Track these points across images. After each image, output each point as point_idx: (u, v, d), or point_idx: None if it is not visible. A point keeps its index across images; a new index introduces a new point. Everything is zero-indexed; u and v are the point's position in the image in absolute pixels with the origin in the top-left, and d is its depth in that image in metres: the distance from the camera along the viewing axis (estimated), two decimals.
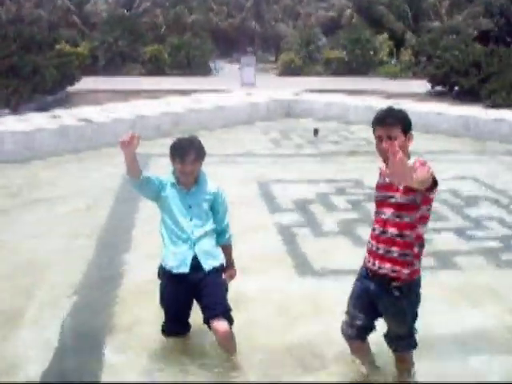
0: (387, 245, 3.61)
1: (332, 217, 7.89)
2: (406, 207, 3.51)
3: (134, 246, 6.78)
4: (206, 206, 4.20)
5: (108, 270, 6.14)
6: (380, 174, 3.74)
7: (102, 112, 13.98)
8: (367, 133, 13.65)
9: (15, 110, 15.10)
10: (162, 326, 4.44)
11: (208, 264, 4.16)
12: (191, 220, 4.13)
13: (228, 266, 4.44)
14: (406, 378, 4.09)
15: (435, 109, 15.74)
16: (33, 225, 7.43)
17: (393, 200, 3.55)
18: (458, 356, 4.57)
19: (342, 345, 4.19)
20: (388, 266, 3.61)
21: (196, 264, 4.13)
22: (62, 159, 11.07)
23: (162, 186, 4.15)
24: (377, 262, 3.67)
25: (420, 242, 3.63)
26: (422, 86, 24.22)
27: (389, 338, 3.96)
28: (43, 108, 15.70)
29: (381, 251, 3.64)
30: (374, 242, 3.71)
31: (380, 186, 3.69)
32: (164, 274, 4.27)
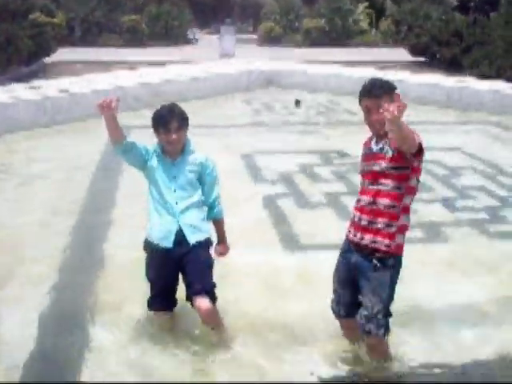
0: (372, 216, 3.54)
1: (318, 188, 7.78)
2: (394, 176, 3.45)
3: (115, 221, 6.60)
4: (191, 176, 4.03)
5: (90, 245, 5.97)
6: (365, 144, 3.71)
7: (80, 83, 13.64)
8: (348, 103, 13.76)
9: None
10: (148, 300, 4.30)
11: (193, 238, 3.99)
12: (175, 191, 3.99)
13: (219, 242, 4.30)
14: (384, 367, 3.90)
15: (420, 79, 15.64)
16: (11, 199, 7.22)
17: (381, 169, 3.48)
18: (450, 330, 4.47)
19: (332, 321, 4.12)
20: (371, 236, 3.54)
21: (181, 237, 3.98)
22: (40, 131, 10.79)
23: (148, 155, 4.02)
24: (359, 234, 3.60)
25: (406, 213, 3.56)
26: (403, 55, 24.13)
27: (360, 317, 3.66)
28: (19, 79, 15.33)
29: (364, 222, 3.57)
30: (358, 214, 3.63)
31: (367, 157, 3.63)
32: (149, 247, 4.14)
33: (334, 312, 3.99)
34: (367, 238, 3.55)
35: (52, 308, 4.68)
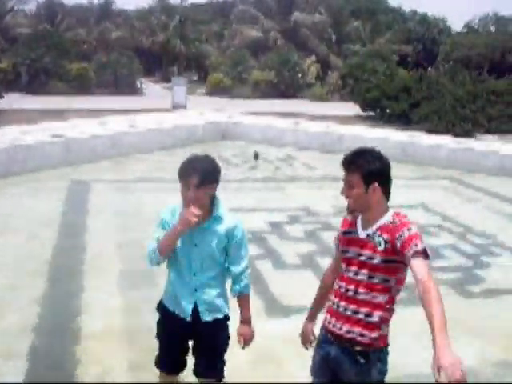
0: (355, 305, 3.15)
1: (291, 248, 7.67)
2: (384, 269, 3.07)
3: (86, 283, 6.31)
4: (214, 247, 3.51)
5: (64, 310, 5.65)
6: (346, 223, 3.32)
7: (33, 132, 13.25)
8: (306, 157, 13.83)
9: None
10: (156, 358, 3.88)
11: (207, 316, 3.60)
12: (195, 261, 3.51)
13: (242, 321, 3.76)
14: None
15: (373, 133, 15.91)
16: None
17: (368, 260, 3.10)
18: None
19: None
20: (353, 327, 3.15)
21: (196, 312, 3.58)
22: None
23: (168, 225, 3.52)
24: (339, 323, 3.20)
25: (391, 304, 3.19)
26: (351, 108, 24.59)
27: None
28: None
29: (345, 311, 3.18)
30: (338, 301, 3.23)
31: (351, 241, 3.22)
32: (162, 311, 3.74)
33: None
34: (349, 328, 3.16)
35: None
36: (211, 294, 3.60)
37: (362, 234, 3.16)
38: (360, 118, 22.07)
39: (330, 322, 3.27)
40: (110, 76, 32.45)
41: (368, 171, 3.08)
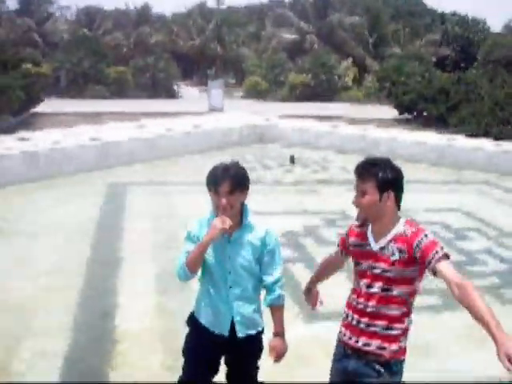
0: (373, 319, 3.11)
1: (326, 251, 7.63)
2: (398, 281, 3.04)
3: (122, 284, 6.41)
4: (250, 256, 3.37)
5: (99, 311, 5.75)
6: (354, 234, 3.26)
7: (71, 136, 13.47)
8: (342, 161, 13.76)
9: None
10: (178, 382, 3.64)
11: (243, 331, 3.44)
12: (230, 274, 3.36)
13: (275, 334, 3.50)
14: None
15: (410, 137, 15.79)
16: (14, 261, 6.95)
17: (383, 273, 3.06)
18: None
19: None
20: (374, 341, 3.11)
21: (233, 328, 3.43)
22: (31, 186, 10.55)
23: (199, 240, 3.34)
24: (359, 338, 3.15)
25: (408, 317, 3.15)
26: (388, 111, 24.42)
27: None
28: (7, 130, 15.14)
29: (363, 325, 3.14)
30: (354, 315, 3.18)
31: (362, 254, 3.16)
32: (194, 325, 3.53)
33: None
34: (369, 341, 3.12)
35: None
36: (249, 308, 3.45)
37: (376, 247, 3.11)
38: (397, 121, 21.89)
39: (345, 335, 3.24)
40: (148, 79, 32.81)
41: (383, 179, 3.04)
